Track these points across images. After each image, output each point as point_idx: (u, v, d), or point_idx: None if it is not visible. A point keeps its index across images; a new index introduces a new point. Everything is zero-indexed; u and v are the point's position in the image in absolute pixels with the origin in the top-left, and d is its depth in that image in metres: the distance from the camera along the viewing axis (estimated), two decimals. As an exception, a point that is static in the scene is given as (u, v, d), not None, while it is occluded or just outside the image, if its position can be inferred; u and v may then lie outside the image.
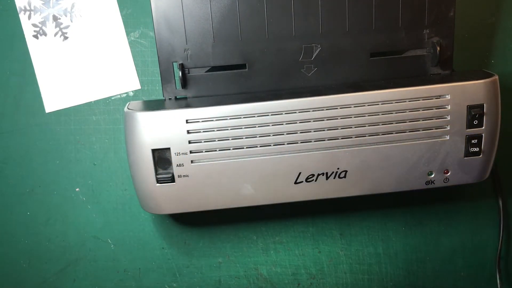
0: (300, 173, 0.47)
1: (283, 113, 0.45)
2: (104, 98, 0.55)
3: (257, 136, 0.46)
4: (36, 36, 0.54)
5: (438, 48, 0.50)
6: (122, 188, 0.56)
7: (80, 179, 0.56)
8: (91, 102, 0.55)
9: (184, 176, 0.46)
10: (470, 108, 0.46)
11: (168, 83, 0.50)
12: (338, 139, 0.46)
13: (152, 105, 0.47)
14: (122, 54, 0.55)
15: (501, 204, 0.57)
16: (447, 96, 0.46)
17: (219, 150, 0.46)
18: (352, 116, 0.46)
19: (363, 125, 0.46)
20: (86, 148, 0.55)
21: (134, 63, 0.55)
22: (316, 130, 0.46)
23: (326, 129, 0.46)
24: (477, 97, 0.46)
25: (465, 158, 0.48)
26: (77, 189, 0.56)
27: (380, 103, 0.46)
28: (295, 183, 0.47)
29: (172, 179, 0.46)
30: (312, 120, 0.46)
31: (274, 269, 0.58)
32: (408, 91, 0.46)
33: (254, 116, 0.45)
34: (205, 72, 0.50)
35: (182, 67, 0.49)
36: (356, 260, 0.58)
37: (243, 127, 0.45)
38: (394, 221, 0.58)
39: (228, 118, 0.45)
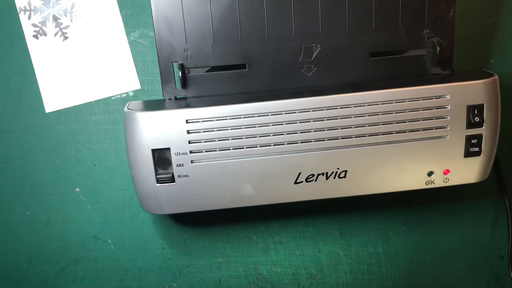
0: (300, 173, 0.47)
1: (283, 113, 0.45)
2: (104, 98, 0.55)
3: (257, 136, 0.46)
4: (36, 36, 0.54)
5: (438, 48, 0.50)
6: (122, 188, 0.56)
7: (80, 179, 0.56)
8: (91, 102, 0.55)
9: (184, 176, 0.46)
10: (470, 108, 0.46)
11: (168, 83, 0.50)
12: (338, 139, 0.46)
13: (152, 105, 0.47)
14: (122, 54, 0.55)
15: (507, 204, 0.56)
16: (447, 96, 0.46)
17: (219, 150, 0.46)
18: (352, 116, 0.46)
19: (363, 125, 0.46)
20: (86, 148, 0.55)
21: (134, 63, 0.55)
22: (316, 130, 0.46)
23: (326, 129, 0.46)
24: (477, 97, 0.46)
25: (465, 158, 0.48)
26: (77, 189, 0.56)
27: (380, 103, 0.46)
28: (295, 183, 0.47)
29: (172, 179, 0.46)
30: (312, 120, 0.46)
31: (274, 269, 0.58)
32: (408, 91, 0.46)
33: (254, 116, 0.45)
34: (205, 72, 0.50)
35: (182, 67, 0.49)
36: (356, 260, 0.58)
37: (243, 127, 0.45)
38: (394, 221, 0.58)
39: (228, 118, 0.45)
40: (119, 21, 0.55)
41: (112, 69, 0.55)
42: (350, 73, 0.51)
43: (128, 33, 0.55)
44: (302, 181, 0.47)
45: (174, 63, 0.49)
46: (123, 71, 0.55)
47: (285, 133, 0.46)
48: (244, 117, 0.45)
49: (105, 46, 0.55)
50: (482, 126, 0.47)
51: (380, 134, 0.46)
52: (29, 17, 0.54)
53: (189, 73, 0.50)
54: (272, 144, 0.46)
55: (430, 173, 0.48)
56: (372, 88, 0.46)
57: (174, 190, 0.47)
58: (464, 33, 0.57)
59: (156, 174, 0.46)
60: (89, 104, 0.55)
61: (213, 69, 0.50)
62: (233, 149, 0.46)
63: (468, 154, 0.47)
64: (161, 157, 0.46)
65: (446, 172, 0.48)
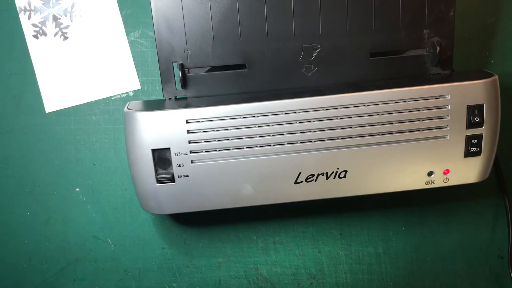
0: (300, 173, 0.47)
1: (283, 113, 0.45)
2: (104, 98, 0.55)
3: (257, 136, 0.46)
4: (36, 36, 0.54)
5: (438, 48, 0.50)
6: (122, 188, 0.56)
7: (80, 179, 0.56)
8: (91, 102, 0.55)
9: (184, 176, 0.46)
10: (470, 108, 0.46)
11: (168, 83, 0.50)
12: (338, 139, 0.46)
13: (152, 105, 0.47)
14: (122, 54, 0.55)
15: (507, 204, 0.56)
16: (447, 96, 0.46)
17: (219, 150, 0.46)
18: (352, 116, 0.46)
19: (363, 125, 0.46)
20: (86, 148, 0.55)
21: (134, 63, 0.55)
22: (316, 130, 0.46)
23: (326, 129, 0.46)
24: (477, 97, 0.46)
25: (465, 158, 0.48)
26: (77, 189, 0.56)
27: (380, 103, 0.46)
28: (295, 183, 0.47)
29: (172, 179, 0.46)
30: (312, 120, 0.46)
31: (274, 269, 0.58)
32: (408, 91, 0.46)
33: (254, 116, 0.45)
34: (205, 72, 0.50)
35: (182, 67, 0.49)
36: (356, 260, 0.58)
37: (243, 127, 0.45)
38: (394, 221, 0.58)
39: (228, 118, 0.45)
40: (119, 21, 0.55)
41: (112, 69, 0.55)
42: (350, 73, 0.51)
43: (128, 33, 0.55)
44: (302, 181, 0.47)
45: (174, 63, 0.49)
46: (123, 71, 0.55)
47: (285, 133, 0.46)
48: (244, 117, 0.45)
49: (105, 46, 0.55)
50: (482, 126, 0.47)
51: (380, 134, 0.46)
52: (29, 17, 0.54)
53: (189, 73, 0.50)
54: (272, 144, 0.46)
55: (430, 173, 0.48)
56: (372, 88, 0.46)
57: (174, 190, 0.47)
58: (464, 33, 0.57)
59: (156, 174, 0.46)
60: (89, 104, 0.55)
61: (213, 69, 0.50)
62: (233, 149, 0.46)
63: (468, 154, 0.47)
64: (161, 157, 0.46)
65: (446, 172, 0.48)
